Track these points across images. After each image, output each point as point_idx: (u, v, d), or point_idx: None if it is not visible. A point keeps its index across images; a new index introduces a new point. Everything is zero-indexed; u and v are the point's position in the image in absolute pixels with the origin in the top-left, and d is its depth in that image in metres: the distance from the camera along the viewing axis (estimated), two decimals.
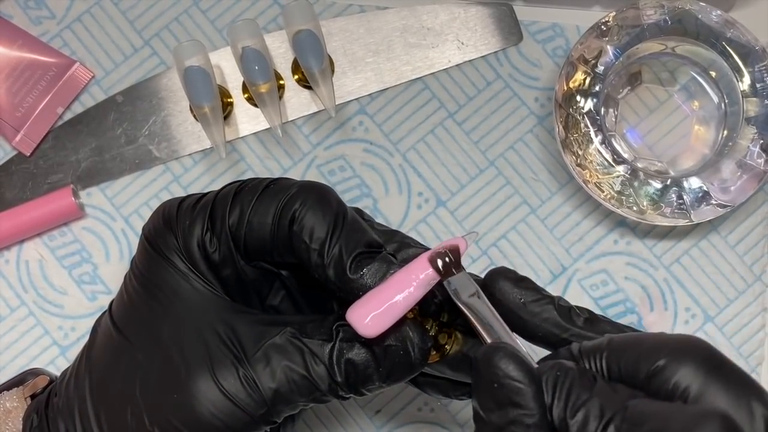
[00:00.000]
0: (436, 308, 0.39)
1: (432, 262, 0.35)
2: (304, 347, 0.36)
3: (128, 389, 0.38)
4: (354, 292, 0.37)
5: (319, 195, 0.38)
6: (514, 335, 0.35)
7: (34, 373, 0.45)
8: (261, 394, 0.36)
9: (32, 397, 0.43)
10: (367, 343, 0.36)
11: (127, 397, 0.38)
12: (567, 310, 0.36)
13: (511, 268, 0.51)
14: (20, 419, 0.41)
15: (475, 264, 0.51)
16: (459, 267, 0.36)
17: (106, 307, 0.41)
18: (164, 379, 0.37)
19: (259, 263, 0.40)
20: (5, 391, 0.43)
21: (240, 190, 0.39)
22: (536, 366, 0.32)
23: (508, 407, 0.31)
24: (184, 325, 0.38)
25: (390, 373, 0.37)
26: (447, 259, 0.35)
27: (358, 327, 0.35)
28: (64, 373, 0.42)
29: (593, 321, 0.36)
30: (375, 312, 0.35)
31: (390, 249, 0.40)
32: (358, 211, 0.42)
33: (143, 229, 0.41)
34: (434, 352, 0.39)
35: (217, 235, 0.38)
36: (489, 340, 0.34)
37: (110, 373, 0.39)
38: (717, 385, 0.30)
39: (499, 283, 0.37)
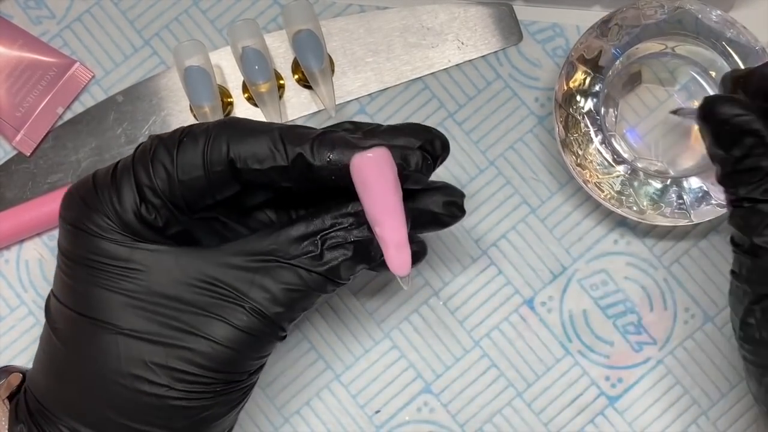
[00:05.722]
0: None
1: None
2: (297, 266, 0.39)
3: (131, 361, 0.38)
4: (327, 179, 0.38)
5: (237, 124, 0.39)
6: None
7: (7, 371, 0.44)
8: (270, 318, 0.39)
9: (9, 398, 0.42)
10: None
11: (132, 367, 0.38)
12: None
13: (511, 267, 0.51)
14: (3, 422, 0.41)
15: (476, 264, 0.51)
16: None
17: None
18: (170, 338, 0.38)
19: (201, 213, 0.40)
20: None
21: (155, 152, 0.39)
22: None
23: (744, 137, 0.37)
24: (162, 288, 0.39)
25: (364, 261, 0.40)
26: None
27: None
28: (32, 372, 0.42)
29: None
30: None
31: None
32: None
33: (65, 218, 0.40)
34: None
35: (150, 202, 0.38)
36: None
37: (98, 357, 0.39)
38: None
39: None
